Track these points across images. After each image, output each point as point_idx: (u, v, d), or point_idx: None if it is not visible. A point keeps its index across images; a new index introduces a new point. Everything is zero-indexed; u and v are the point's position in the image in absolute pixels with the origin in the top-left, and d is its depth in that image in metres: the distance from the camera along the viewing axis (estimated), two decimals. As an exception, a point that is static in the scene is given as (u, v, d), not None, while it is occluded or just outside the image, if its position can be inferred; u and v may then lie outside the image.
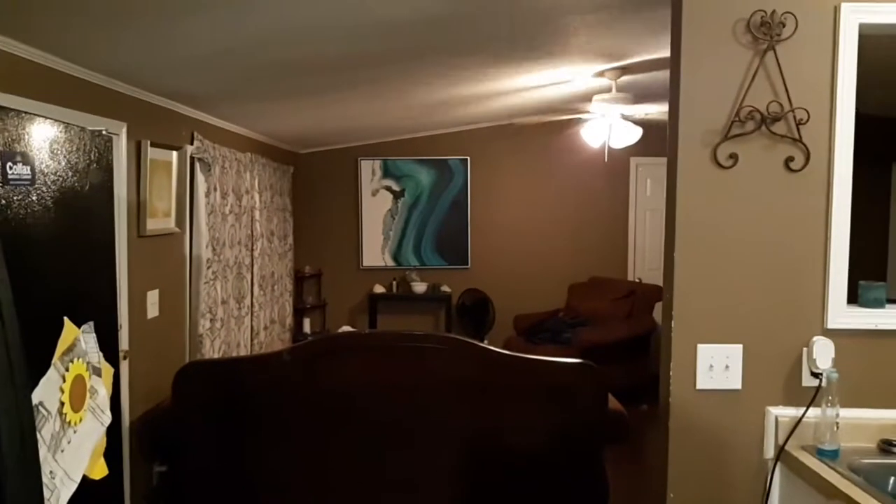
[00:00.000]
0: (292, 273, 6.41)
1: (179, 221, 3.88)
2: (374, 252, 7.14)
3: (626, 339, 5.96)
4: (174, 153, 3.78)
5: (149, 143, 3.42)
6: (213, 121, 4.48)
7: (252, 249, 5.12)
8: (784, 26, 1.98)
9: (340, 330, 6.68)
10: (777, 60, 1.99)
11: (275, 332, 5.77)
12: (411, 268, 7.10)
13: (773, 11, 1.98)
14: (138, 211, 3.39)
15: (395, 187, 7.10)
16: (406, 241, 7.13)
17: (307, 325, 6.68)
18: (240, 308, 4.81)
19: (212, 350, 4.20)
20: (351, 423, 3.10)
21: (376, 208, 7.11)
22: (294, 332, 6.40)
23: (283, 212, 6.16)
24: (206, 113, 4.29)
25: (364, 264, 7.14)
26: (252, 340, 5.09)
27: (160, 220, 3.64)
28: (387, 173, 7.08)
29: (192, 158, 4.02)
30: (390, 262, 7.13)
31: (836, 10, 1.98)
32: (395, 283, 7.03)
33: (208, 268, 4.14)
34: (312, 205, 6.97)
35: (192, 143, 4.01)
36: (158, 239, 3.64)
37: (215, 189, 4.29)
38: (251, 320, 5.08)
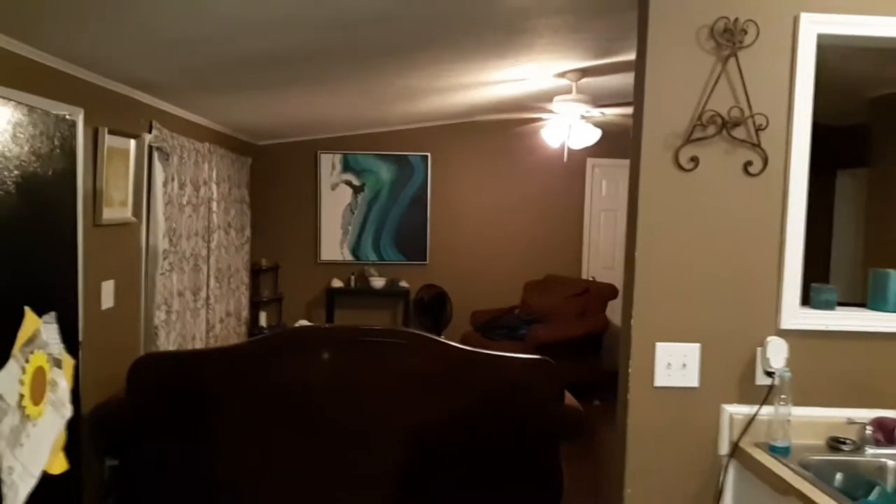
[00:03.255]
0: (249, 266, 6.33)
1: (136, 211, 3.80)
2: (333, 246, 7.09)
3: (579, 336, 6.05)
4: (132, 141, 3.70)
5: (106, 130, 3.35)
6: (172, 109, 4.40)
7: (209, 241, 5.05)
8: (746, 34, 2.04)
9: (297, 324, 6.62)
10: (739, 67, 2.04)
11: (230, 325, 5.69)
12: (370, 262, 7.08)
13: (736, 19, 2.04)
14: (94, 199, 3.31)
15: (355, 182, 7.06)
16: (365, 235, 7.10)
17: (263, 319, 6.60)
18: (196, 300, 4.74)
19: (167, 342, 4.12)
20: (309, 418, 3.08)
21: (335, 202, 7.06)
22: (250, 325, 6.32)
23: (241, 203, 6.08)
24: (165, 101, 4.21)
25: (322, 258, 7.09)
26: (207, 333, 5.02)
27: (116, 210, 3.56)
28: (347, 167, 7.04)
29: (149, 147, 3.93)
30: (349, 257, 7.10)
31: (796, 20, 2.05)
32: (353, 277, 7.00)
33: (165, 259, 4.06)
34: (271, 197, 6.89)
35: (150, 132, 3.93)
36: (114, 228, 3.56)
37: (173, 179, 4.21)
38: (207, 313, 5.01)
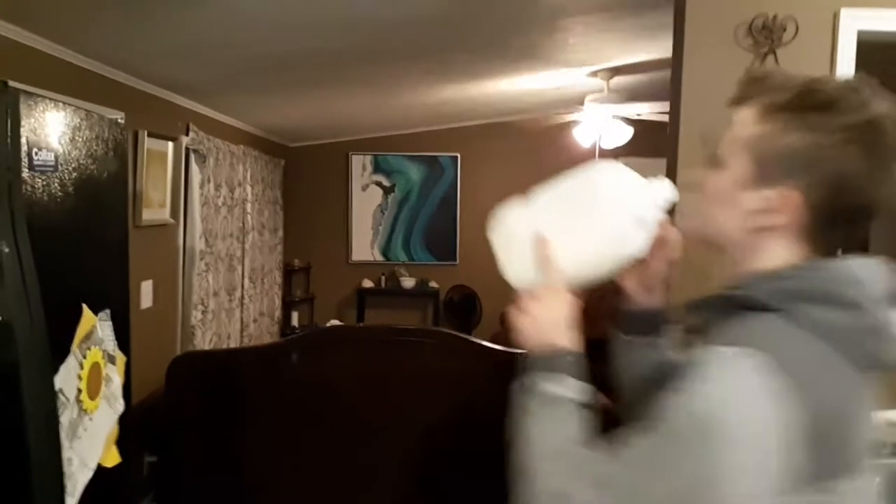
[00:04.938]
0: (282, 266, 6.41)
1: (174, 212, 3.87)
2: (364, 246, 7.14)
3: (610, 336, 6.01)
4: (170, 144, 3.77)
5: (146, 133, 3.41)
6: (208, 112, 4.47)
7: (243, 242, 5.12)
8: (785, 30, 2.03)
9: (329, 324, 6.68)
10: (777, 64, 2.04)
11: (264, 324, 5.77)
12: (400, 263, 7.11)
13: (775, 16, 2.03)
14: (134, 201, 3.38)
15: (386, 182, 7.10)
16: (395, 236, 7.14)
17: (295, 319, 6.67)
18: (231, 300, 4.81)
19: (203, 341, 4.19)
20: (343, 417, 3.11)
21: (366, 203, 7.11)
22: (282, 325, 6.39)
23: (274, 205, 6.15)
24: (202, 104, 4.28)
25: (353, 259, 7.14)
26: (242, 333, 5.09)
27: (155, 211, 3.63)
28: (377, 168, 7.08)
29: (187, 149, 4.01)
30: (379, 257, 7.14)
31: (836, 16, 2.03)
32: (383, 277, 7.03)
33: (201, 259, 4.13)
34: (303, 198, 6.96)
35: (187, 134, 4.00)
36: (153, 229, 3.63)
37: (209, 180, 4.28)
38: (241, 312, 5.08)
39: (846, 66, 2.04)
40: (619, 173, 1.08)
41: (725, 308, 0.88)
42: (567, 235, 1.05)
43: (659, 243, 1.07)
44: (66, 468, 1.30)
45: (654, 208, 1.04)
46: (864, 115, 0.83)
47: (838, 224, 0.87)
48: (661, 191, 1.04)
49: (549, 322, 1.03)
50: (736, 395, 0.75)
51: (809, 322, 0.81)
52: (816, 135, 0.84)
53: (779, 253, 0.88)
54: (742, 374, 0.76)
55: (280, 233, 6.31)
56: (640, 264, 1.09)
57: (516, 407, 0.99)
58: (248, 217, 5.21)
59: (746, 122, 0.90)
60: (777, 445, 0.74)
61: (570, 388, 0.97)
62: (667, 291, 1.13)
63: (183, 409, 3.15)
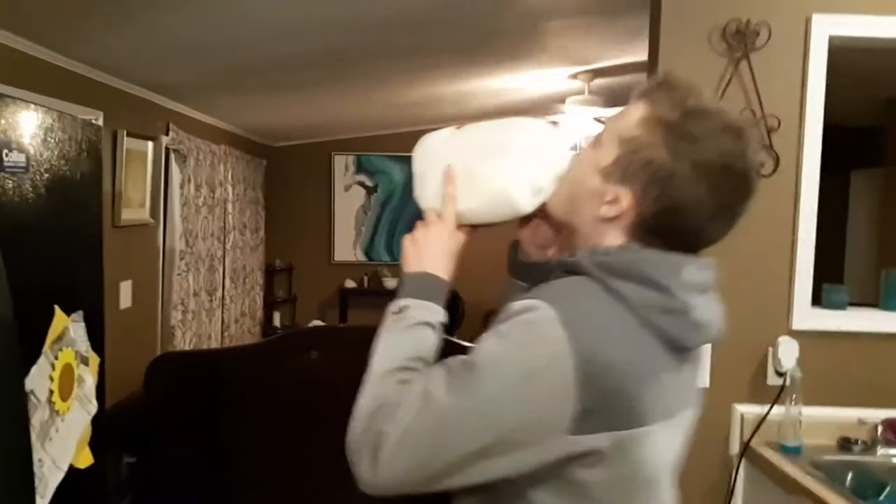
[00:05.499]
0: (263, 266, 6.39)
1: (153, 212, 3.85)
2: (346, 247, 7.14)
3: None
4: (149, 143, 3.75)
5: (125, 132, 3.40)
6: (189, 112, 4.45)
7: (224, 242, 5.10)
8: (758, 35, 2.05)
9: (311, 324, 6.66)
10: (751, 68, 2.06)
11: (245, 325, 5.75)
12: (383, 263, 7.11)
13: (748, 21, 2.05)
14: (113, 201, 3.36)
15: (368, 183, 7.11)
16: (378, 236, 7.14)
17: (277, 319, 6.66)
18: (211, 300, 4.79)
19: (183, 342, 4.18)
20: (325, 418, 3.11)
21: (349, 203, 7.10)
22: (264, 325, 6.37)
23: (256, 205, 6.13)
24: (182, 104, 4.26)
25: (335, 259, 7.13)
26: (223, 333, 5.07)
27: (134, 211, 3.61)
28: (360, 168, 7.08)
29: (167, 149, 3.99)
30: (362, 258, 7.14)
31: (808, 22, 2.06)
32: (366, 278, 7.04)
33: (181, 259, 4.12)
34: (285, 198, 6.94)
35: (167, 134, 3.99)
36: (132, 229, 3.61)
37: (189, 180, 4.26)
38: (222, 313, 5.06)
39: (818, 70, 2.07)
40: (543, 136, 1.13)
41: (557, 271, 0.99)
42: (470, 176, 1.11)
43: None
44: (36, 469, 1.30)
45: (555, 181, 1.09)
46: (727, 161, 0.91)
47: (662, 237, 0.95)
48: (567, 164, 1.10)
49: (431, 250, 1.11)
50: (529, 339, 0.87)
51: (617, 293, 0.91)
52: (677, 163, 0.90)
53: (612, 241, 0.98)
54: (538, 323, 0.87)
55: (262, 233, 6.30)
56: (533, 222, 1.16)
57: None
58: (230, 217, 5.19)
59: (632, 119, 0.96)
60: (561, 386, 0.85)
61: (430, 313, 1.03)
62: (561, 251, 1.18)
63: (162, 409, 3.14)
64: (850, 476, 1.97)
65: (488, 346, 0.90)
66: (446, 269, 1.10)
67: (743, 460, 2.09)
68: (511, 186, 1.09)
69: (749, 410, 2.10)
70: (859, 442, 2.05)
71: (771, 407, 2.07)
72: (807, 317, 2.10)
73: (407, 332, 1.01)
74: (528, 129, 1.12)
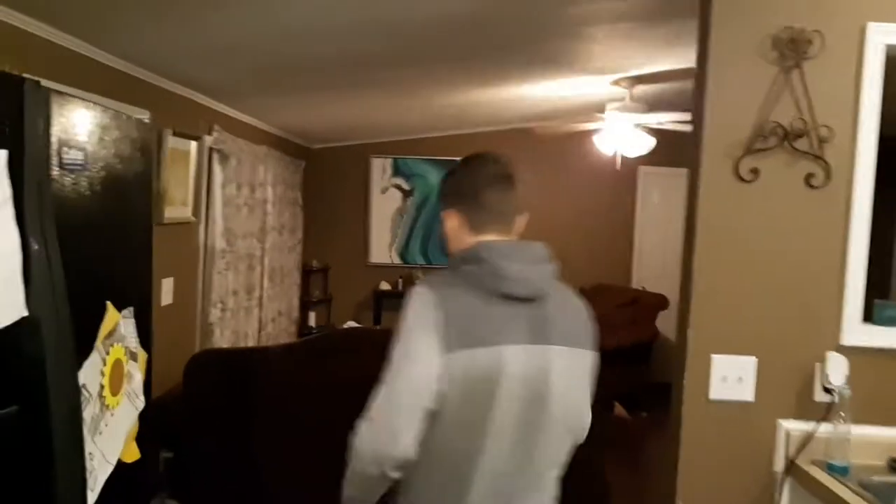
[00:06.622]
0: (300, 266, 6.45)
1: (195, 211, 3.91)
2: (382, 249, 7.17)
3: (627, 345, 5.98)
4: (193, 143, 3.81)
5: (170, 131, 3.45)
6: (232, 112, 4.51)
7: (263, 242, 5.16)
8: (811, 44, 2.00)
9: (345, 325, 6.70)
10: (802, 77, 2.01)
11: (281, 324, 5.80)
12: (417, 266, 7.12)
13: (802, 29, 2.00)
14: (156, 198, 3.42)
15: (405, 186, 7.13)
16: (413, 239, 7.16)
17: (312, 319, 6.71)
18: (249, 299, 4.84)
19: (221, 339, 4.23)
20: (360, 417, 3.13)
21: (385, 206, 7.14)
22: (300, 325, 6.43)
23: (294, 206, 6.19)
24: (225, 104, 4.32)
25: (371, 261, 7.17)
26: (259, 332, 5.13)
27: (177, 209, 3.67)
28: (397, 172, 7.11)
29: (210, 149, 4.05)
30: (397, 260, 7.16)
31: (863, 31, 2.01)
32: (400, 280, 7.05)
33: (221, 258, 4.17)
34: (322, 200, 7.00)
35: (210, 134, 4.05)
36: (175, 227, 3.67)
37: (231, 180, 4.32)
38: (259, 312, 5.11)
39: (873, 79, 2.01)
40: None
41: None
42: None
43: None
44: (87, 463, 1.32)
45: None
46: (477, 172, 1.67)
47: (472, 209, 1.60)
48: None
49: None
50: (416, 305, 1.44)
51: (461, 272, 1.48)
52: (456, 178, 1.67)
53: (464, 241, 1.56)
54: (420, 296, 1.45)
55: (299, 233, 6.35)
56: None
57: None
58: (269, 217, 5.25)
59: None
60: (434, 327, 1.40)
61: None
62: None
63: (200, 405, 3.17)
64: (899, 498, 1.91)
65: (400, 315, 1.47)
66: None
67: (787, 478, 2.04)
68: None
69: (795, 427, 2.05)
70: (910, 463, 1.99)
71: (818, 424, 2.02)
72: (857, 333, 2.04)
73: None
74: None
